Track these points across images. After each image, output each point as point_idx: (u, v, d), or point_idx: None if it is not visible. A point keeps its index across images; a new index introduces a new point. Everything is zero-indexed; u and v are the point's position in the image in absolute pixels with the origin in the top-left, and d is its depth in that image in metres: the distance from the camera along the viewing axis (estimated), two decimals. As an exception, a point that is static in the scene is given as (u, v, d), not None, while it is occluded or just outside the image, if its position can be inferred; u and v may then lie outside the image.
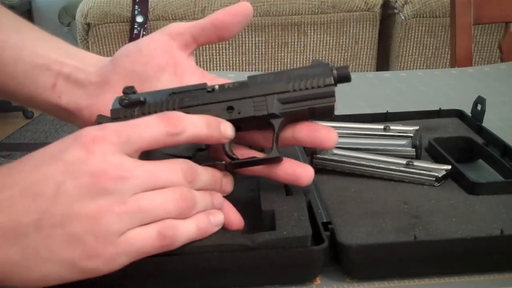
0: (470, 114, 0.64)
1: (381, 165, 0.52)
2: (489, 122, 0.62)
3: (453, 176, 0.52)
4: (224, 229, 0.42)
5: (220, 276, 0.40)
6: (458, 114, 0.66)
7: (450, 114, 0.66)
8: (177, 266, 0.39)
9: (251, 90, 0.43)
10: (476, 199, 0.48)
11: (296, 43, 2.07)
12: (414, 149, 0.55)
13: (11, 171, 0.36)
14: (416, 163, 0.52)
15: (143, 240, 0.36)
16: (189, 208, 0.38)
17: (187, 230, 0.38)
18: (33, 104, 0.51)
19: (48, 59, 0.50)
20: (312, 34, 2.07)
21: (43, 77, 0.49)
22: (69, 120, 0.51)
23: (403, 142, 0.57)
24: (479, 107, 0.62)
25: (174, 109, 0.41)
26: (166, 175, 0.37)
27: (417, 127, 0.59)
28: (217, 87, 0.43)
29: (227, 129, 0.41)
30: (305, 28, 2.05)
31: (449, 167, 0.52)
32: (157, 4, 2.00)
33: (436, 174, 0.51)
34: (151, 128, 0.37)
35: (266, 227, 0.42)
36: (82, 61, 0.50)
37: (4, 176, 0.36)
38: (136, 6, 1.99)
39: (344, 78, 0.44)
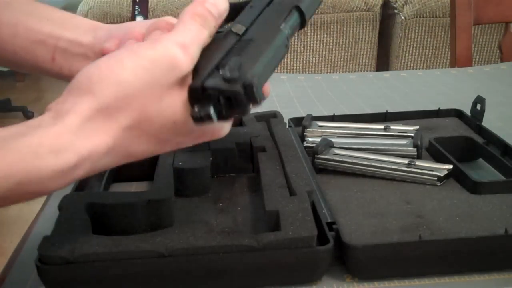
0: (469, 114, 0.64)
1: (383, 165, 0.53)
2: (489, 122, 0.62)
3: (455, 175, 0.52)
4: (230, 230, 0.42)
5: (226, 276, 0.40)
6: (457, 113, 0.67)
7: (449, 113, 0.67)
8: (182, 267, 0.39)
9: None
10: (479, 198, 0.48)
11: (296, 43, 2.07)
12: (415, 148, 0.56)
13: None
14: (418, 162, 0.53)
15: None
16: None
17: None
18: (39, 73, 0.53)
19: (43, 34, 0.50)
20: (312, 34, 2.07)
21: (41, 52, 0.50)
22: None
23: (404, 142, 0.57)
24: (478, 106, 0.63)
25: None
26: None
27: (417, 127, 0.60)
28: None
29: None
30: (305, 28, 2.06)
31: (451, 166, 0.52)
32: (157, 4, 2.00)
33: (438, 173, 0.51)
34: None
35: (271, 228, 0.42)
36: (75, 31, 0.51)
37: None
38: (136, 6, 2.00)
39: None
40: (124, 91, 0.35)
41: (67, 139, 0.33)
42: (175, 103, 0.36)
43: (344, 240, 0.41)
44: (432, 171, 0.51)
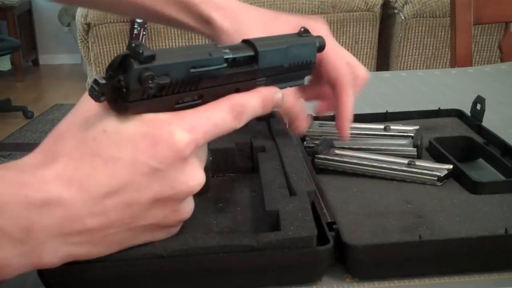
0: (469, 114, 0.64)
1: (383, 165, 0.53)
2: (489, 122, 0.62)
3: (455, 175, 0.52)
4: (229, 230, 0.42)
5: (225, 277, 0.40)
6: (457, 113, 0.67)
7: (449, 113, 0.67)
8: (182, 267, 0.39)
9: (259, 73, 0.43)
10: (479, 198, 0.48)
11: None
12: (415, 148, 0.56)
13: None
14: (418, 162, 0.53)
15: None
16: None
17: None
18: None
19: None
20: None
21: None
22: None
23: (404, 142, 0.57)
24: (478, 106, 0.63)
25: (196, 89, 0.39)
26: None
27: (417, 127, 0.60)
28: (229, 57, 0.41)
29: (279, 99, 0.44)
30: (305, 28, 2.06)
31: (451, 166, 0.52)
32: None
33: (438, 173, 0.51)
34: (226, 125, 0.39)
35: (271, 228, 0.42)
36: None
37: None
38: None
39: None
40: (56, 130, 0.37)
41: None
42: (97, 112, 0.36)
43: (344, 240, 0.41)
44: (432, 171, 0.51)
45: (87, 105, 0.36)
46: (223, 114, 0.39)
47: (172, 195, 0.37)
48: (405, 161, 0.53)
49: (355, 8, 2.05)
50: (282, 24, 0.54)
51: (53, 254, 0.35)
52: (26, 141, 2.97)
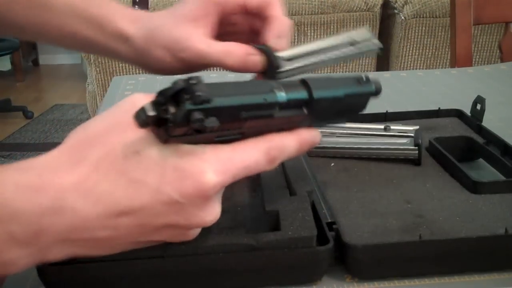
0: (469, 114, 0.64)
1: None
2: (489, 122, 0.62)
3: (456, 175, 0.52)
4: (229, 230, 0.42)
5: (224, 277, 0.40)
6: (457, 113, 0.67)
7: (449, 113, 0.67)
8: (182, 267, 0.39)
9: (307, 121, 0.41)
10: (479, 198, 0.48)
11: (296, 43, 2.07)
12: (416, 147, 0.56)
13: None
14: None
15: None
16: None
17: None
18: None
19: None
20: (312, 34, 2.07)
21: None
22: None
23: (404, 141, 0.57)
24: (478, 106, 0.63)
25: (240, 127, 0.37)
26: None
27: (417, 127, 0.60)
28: (283, 101, 0.38)
29: (316, 142, 0.41)
30: (305, 28, 2.06)
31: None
32: (157, 4, 2.00)
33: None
34: (257, 167, 0.38)
35: (271, 228, 0.42)
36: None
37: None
38: (136, 6, 2.00)
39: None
40: (87, 131, 0.36)
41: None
42: (136, 134, 0.35)
43: (344, 240, 0.41)
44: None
45: (125, 115, 0.35)
46: (258, 157, 0.38)
47: (185, 225, 0.37)
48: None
49: (355, 8, 2.05)
50: (188, 4, 0.52)
51: (58, 254, 0.35)
52: (26, 141, 2.97)
